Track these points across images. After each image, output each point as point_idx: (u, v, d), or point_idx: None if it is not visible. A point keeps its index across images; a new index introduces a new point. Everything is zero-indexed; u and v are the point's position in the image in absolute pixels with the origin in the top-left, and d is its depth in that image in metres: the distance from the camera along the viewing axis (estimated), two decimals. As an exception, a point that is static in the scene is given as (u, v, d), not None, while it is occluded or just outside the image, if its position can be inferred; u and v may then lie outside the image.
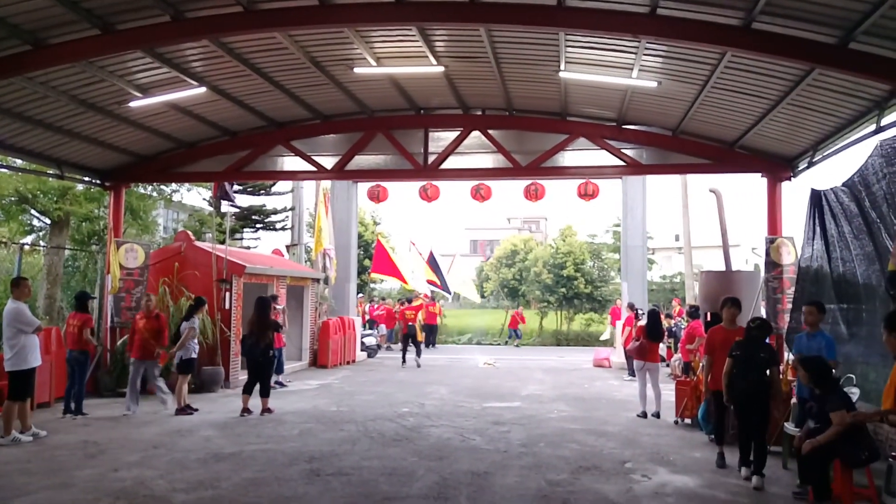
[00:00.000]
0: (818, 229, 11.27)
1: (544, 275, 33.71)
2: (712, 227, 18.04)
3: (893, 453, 6.86)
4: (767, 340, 8.99)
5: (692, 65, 10.91)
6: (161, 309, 15.34)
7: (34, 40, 9.96)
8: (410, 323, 21.52)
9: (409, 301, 24.61)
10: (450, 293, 30.91)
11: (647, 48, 10.48)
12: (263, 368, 12.58)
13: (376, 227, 36.03)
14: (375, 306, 30.10)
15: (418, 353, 21.50)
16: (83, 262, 20.86)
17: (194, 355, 12.96)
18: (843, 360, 9.83)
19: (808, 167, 13.29)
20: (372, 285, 35.31)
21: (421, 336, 21.90)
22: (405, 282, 27.42)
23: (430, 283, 28.67)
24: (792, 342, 10.50)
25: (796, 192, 20.61)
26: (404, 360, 21.44)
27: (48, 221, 19.89)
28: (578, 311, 34.67)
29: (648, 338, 12.79)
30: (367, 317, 28.41)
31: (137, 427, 11.24)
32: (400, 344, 23.35)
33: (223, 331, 15.59)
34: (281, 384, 15.87)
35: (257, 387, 12.54)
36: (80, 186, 18.61)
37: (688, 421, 11.65)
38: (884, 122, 10.22)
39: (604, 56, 11.26)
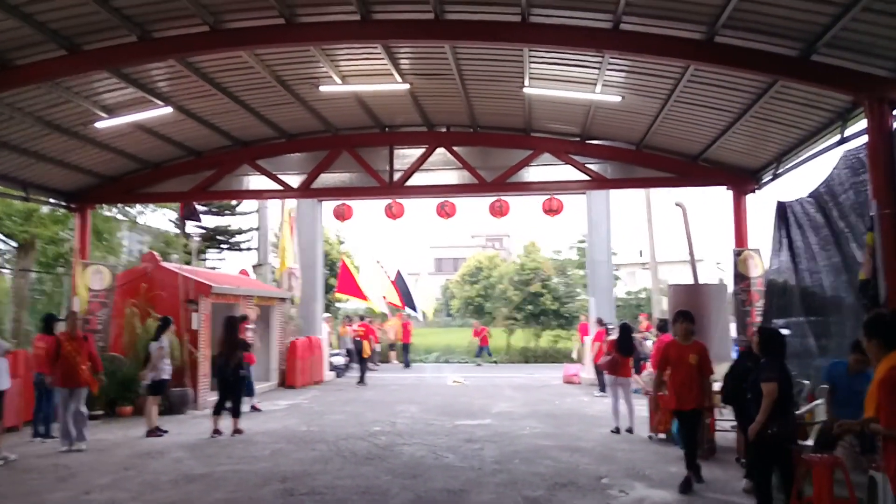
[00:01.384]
0: (784, 241, 11.41)
1: (510, 291, 33.75)
2: (676, 243, 18.27)
3: (874, 464, 6.91)
4: None
5: (655, 79, 11.11)
6: (129, 331, 15.22)
7: (1, 61, 9.90)
8: (357, 338, 22.06)
9: (361, 318, 24.64)
10: (416, 311, 30.76)
11: (610, 63, 10.66)
12: (234, 388, 12.49)
13: (341, 245, 35.90)
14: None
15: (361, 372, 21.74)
16: (49, 284, 20.57)
17: (166, 376, 12.82)
18: (814, 372, 9.89)
19: (772, 179, 13.50)
20: (338, 305, 35.11)
21: (367, 353, 21.84)
22: (368, 301, 27.35)
23: (390, 304, 28.58)
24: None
25: (762, 205, 20.70)
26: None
27: (14, 244, 19.62)
28: (546, 327, 34.71)
29: (620, 352, 12.70)
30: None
31: (108, 450, 11.08)
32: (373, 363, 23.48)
33: (192, 351, 15.42)
34: (255, 409, 15.33)
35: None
36: (45, 209, 18.38)
37: (662, 436, 11.64)
38: (847, 132, 10.38)
39: (568, 71, 11.44)
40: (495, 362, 30.32)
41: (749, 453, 7.15)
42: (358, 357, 22.18)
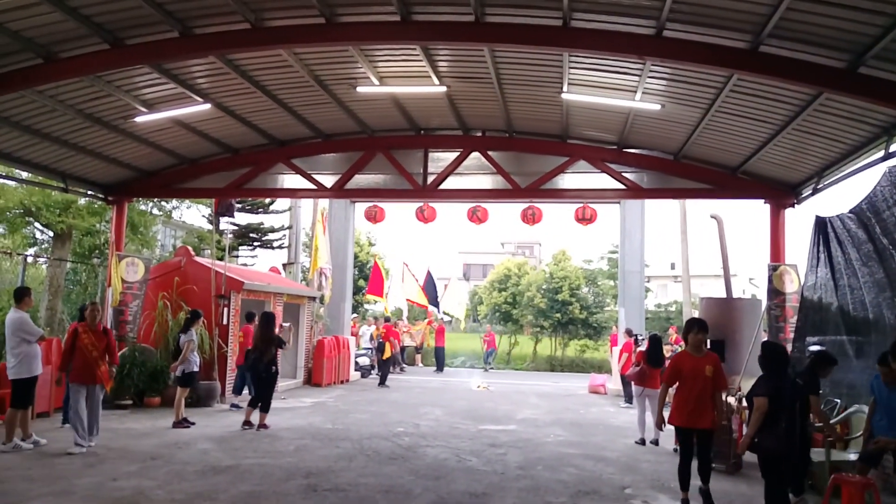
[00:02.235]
0: (822, 256, 11.18)
1: (538, 299, 33.62)
2: (709, 257, 18.02)
3: None
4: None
5: (697, 88, 10.96)
6: (160, 323, 15.41)
7: (46, 54, 10.07)
8: (382, 340, 22.24)
9: (387, 320, 24.83)
10: (439, 309, 30.62)
11: (651, 70, 10.54)
12: (266, 383, 12.62)
13: (371, 247, 36.05)
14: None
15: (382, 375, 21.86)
16: (83, 274, 20.91)
17: (195, 368, 13.02)
18: (847, 390, 9.71)
19: (812, 194, 13.25)
20: (366, 306, 35.26)
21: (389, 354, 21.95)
22: (384, 301, 27.46)
23: (415, 303, 28.61)
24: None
25: (799, 220, 20.29)
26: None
27: (51, 234, 20.00)
28: (573, 336, 34.51)
29: (649, 363, 12.57)
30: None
31: (135, 438, 11.24)
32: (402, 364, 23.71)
33: (220, 346, 15.57)
34: (236, 406, 14.96)
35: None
36: (82, 200, 18.72)
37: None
38: (893, 148, 10.19)
39: (607, 78, 11.33)
40: (485, 369, 29.82)
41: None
42: (379, 359, 22.37)
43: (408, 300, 28.83)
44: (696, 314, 24.27)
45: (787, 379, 7.43)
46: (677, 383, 8.18)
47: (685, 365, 8.10)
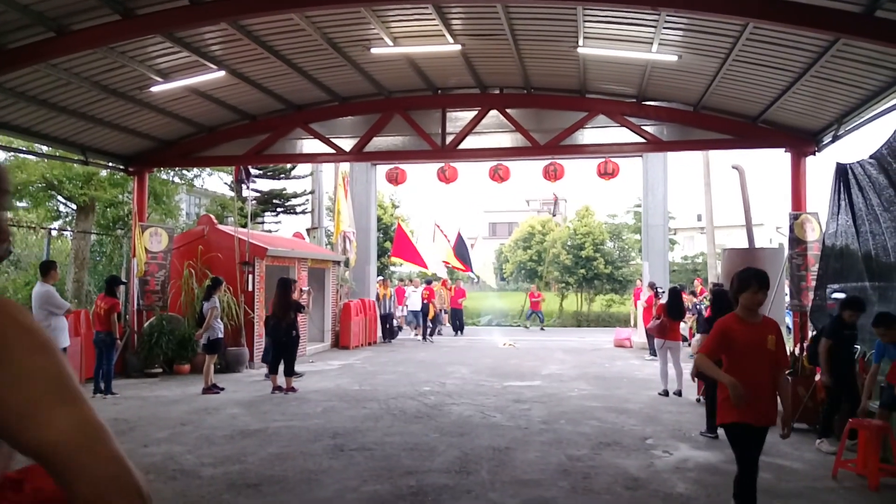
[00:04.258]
0: (843, 203, 11.07)
1: (563, 256, 33.59)
2: (734, 207, 17.87)
3: None
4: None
5: (713, 38, 10.75)
6: (186, 292, 15.62)
7: (57, 27, 10.05)
8: (426, 302, 23.59)
9: (429, 283, 25.09)
10: (473, 273, 30.73)
11: (667, 21, 10.33)
12: (287, 348, 12.76)
13: (395, 209, 36.09)
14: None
15: (427, 332, 23.91)
16: (108, 246, 21.14)
17: (220, 335, 13.18)
18: (869, 336, 9.67)
19: (832, 141, 13.02)
20: (391, 268, 35.39)
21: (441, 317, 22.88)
22: (426, 266, 27.40)
23: (446, 263, 28.62)
24: (817, 319, 10.58)
25: (820, 168, 20.04)
26: (424, 338, 23.43)
27: (74, 207, 20.16)
28: (599, 292, 34.54)
29: (669, 316, 12.68)
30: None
31: (165, 405, 11.47)
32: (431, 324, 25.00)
33: (247, 312, 15.76)
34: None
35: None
36: (104, 172, 18.83)
37: (709, 398, 11.62)
38: (913, 91, 9.92)
39: (623, 30, 11.15)
40: (542, 329, 29.95)
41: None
42: (424, 318, 23.95)
43: (444, 262, 28.77)
44: (719, 265, 24.15)
45: None
46: (725, 359, 5.63)
47: (738, 335, 5.48)
